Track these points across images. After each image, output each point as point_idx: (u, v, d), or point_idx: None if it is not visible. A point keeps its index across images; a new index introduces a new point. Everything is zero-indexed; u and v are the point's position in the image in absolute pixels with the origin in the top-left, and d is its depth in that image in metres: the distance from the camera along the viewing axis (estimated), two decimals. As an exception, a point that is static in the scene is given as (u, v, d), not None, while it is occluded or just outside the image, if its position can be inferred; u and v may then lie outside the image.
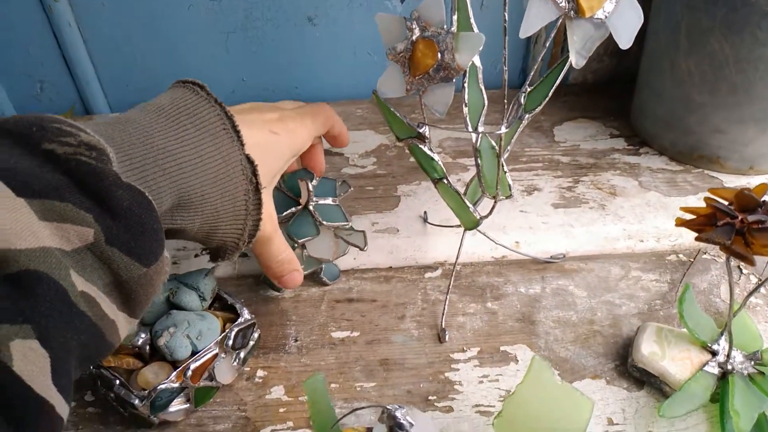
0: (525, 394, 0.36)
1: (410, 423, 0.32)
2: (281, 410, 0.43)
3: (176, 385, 0.40)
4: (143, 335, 0.41)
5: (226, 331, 0.42)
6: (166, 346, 0.40)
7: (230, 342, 0.42)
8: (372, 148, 0.69)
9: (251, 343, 0.45)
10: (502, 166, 0.42)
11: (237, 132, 0.36)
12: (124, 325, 0.30)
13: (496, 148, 0.42)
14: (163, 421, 0.41)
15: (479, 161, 0.42)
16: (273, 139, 0.40)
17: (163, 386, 0.39)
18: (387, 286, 0.52)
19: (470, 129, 0.41)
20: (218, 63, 0.75)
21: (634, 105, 0.70)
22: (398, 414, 0.31)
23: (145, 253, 0.28)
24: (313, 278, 0.53)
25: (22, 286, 0.24)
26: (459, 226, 0.51)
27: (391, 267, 0.54)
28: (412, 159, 0.66)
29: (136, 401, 0.39)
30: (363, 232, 0.51)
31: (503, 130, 0.39)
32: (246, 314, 0.44)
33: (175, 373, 0.40)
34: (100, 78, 0.75)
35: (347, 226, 0.49)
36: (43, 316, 0.24)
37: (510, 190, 0.43)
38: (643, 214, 0.58)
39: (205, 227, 0.36)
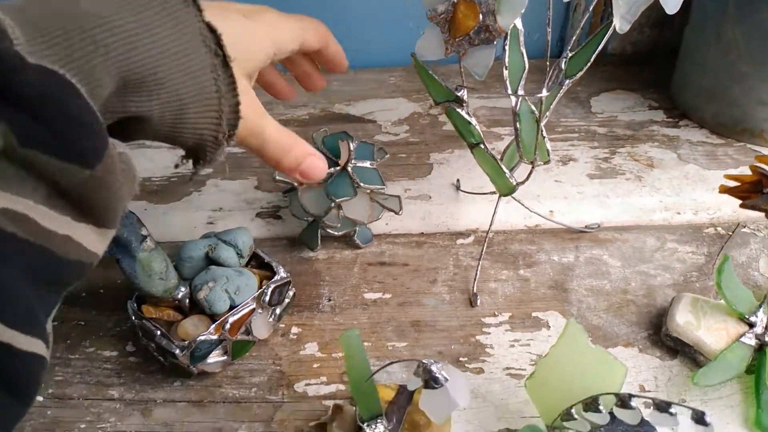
0: (558, 356, 0.36)
1: (445, 377, 0.32)
2: (315, 366, 0.44)
3: (215, 337, 0.41)
4: (183, 289, 0.42)
5: (263, 287, 0.43)
6: (206, 299, 0.41)
7: (267, 298, 0.43)
8: (405, 116, 0.68)
9: (286, 300, 0.46)
10: (541, 130, 0.41)
11: (197, 6, 0.28)
12: (93, 237, 0.25)
13: (536, 112, 0.41)
14: (201, 371, 0.42)
15: (518, 125, 0.41)
16: (249, 24, 0.33)
17: (202, 338, 0.40)
18: (419, 251, 0.52)
19: (510, 92, 0.40)
20: (253, 28, 0.75)
21: (674, 77, 0.68)
22: (434, 368, 0.32)
23: (79, 152, 0.23)
24: (346, 241, 0.53)
25: None
26: (492, 193, 0.51)
27: (422, 233, 0.54)
28: (445, 127, 0.66)
29: (177, 351, 0.40)
30: (398, 197, 0.51)
31: (544, 93, 0.39)
32: (282, 272, 0.45)
33: (213, 325, 0.41)
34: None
35: (383, 190, 0.49)
36: None
37: (548, 155, 0.42)
38: (681, 187, 0.57)
39: (168, 115, 0.28)
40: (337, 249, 0.53)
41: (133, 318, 0.42)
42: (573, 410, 0.34)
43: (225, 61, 0.29)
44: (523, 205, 0.51)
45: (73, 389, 0.44)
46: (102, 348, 0.46)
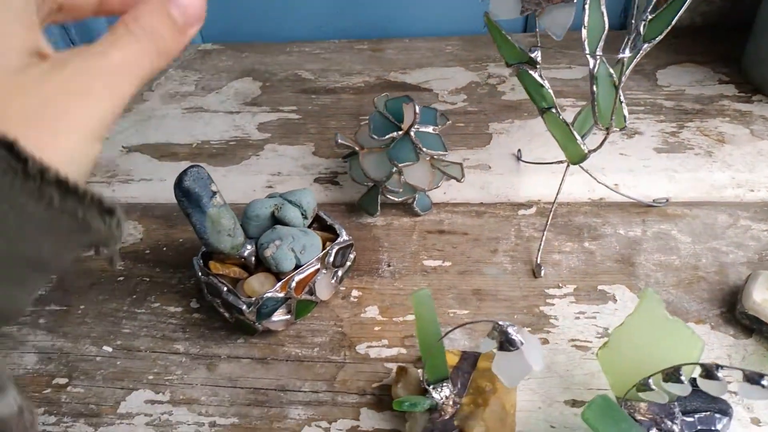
0: (634, 326, 0.35)
1: (521, 340, 0.31)
2: (376, 329, 0.44)
3: (281, 295, 0.41)
4: (249, 247, 0.42)
5: (327, 248, 0.43)
6: (273, 257, 0.41)
7: (331, 259, 0.43)
8: (462, 85, 0.67)
9: (348, 263, 0.46)
10: (619, 95, 0.40)
11: None
12: None
13: (614, 75, 0.40)
14: (265, 329, 0.43)
15: (595, 89, 0.40)
16: None
17: (269, 295, 0.40)
18: (479, 221, 0.52)
19: (588, 53, 0.39)
20: (310, -5, 0.74)
21: (747, 50, 0.65)
22: (510, 330, 0.31)
23: None
24: (404, 208, 0.53)
25: None
26: (559, 162, 0.50)
27: (482, 203, 0.53)
28: (504, 97, 0.64)
29: (244, 307, 0.40)
30: (460, 164, 0.50)
31: (627, 53, 0.37)
32: (344, 234, 0.45)
33: (280, 283, 0.41)
34: None
35: (445, 156, 0.49)
36: None
37: (625, 120, 0.41)
38: (755, 163, 0.55)
39: (30, 282, 0.20)
40: (395, 216, 0.53)
41: (200, 274, 0.43)
42: (651, 381, 0.33)
43: (37, 163, 0.17)
44: (591, 175, 0.50)
45: (140, 342, 0.44)
46: (167, 304, 0.47)
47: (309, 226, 0.46)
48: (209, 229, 0.40)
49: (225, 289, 0.41)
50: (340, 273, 0.45)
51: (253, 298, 0.40)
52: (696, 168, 0.55)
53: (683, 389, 0.32)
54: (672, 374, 0.31)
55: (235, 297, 0.41)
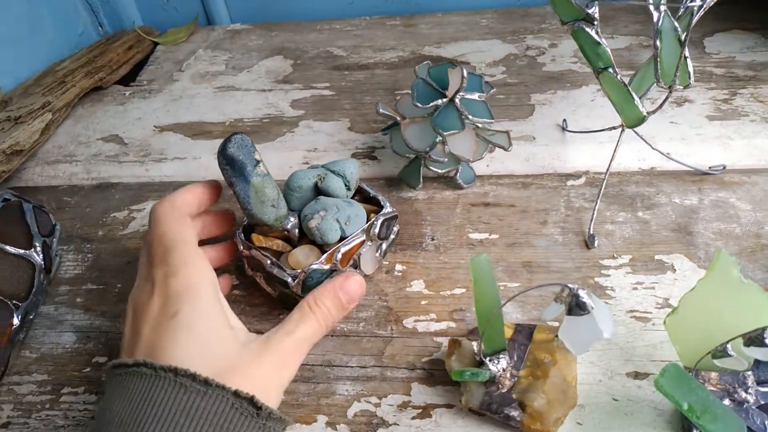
0: (707, 291, 0.33)
1: (592, 305, 0.30)
2: (423, 302, 0.43)
3: (326, 267, 0.40)
4: (292, 219, 0.41)
5: (372, 219, 0.42)
6: (318, 228, 0.39)
7: (376, 230, 0.42)
8: (500, 57, 0.65)
9: (392, 236, 0.44)
10: (685, 49, 0.37)
11: (206, 382, 0.28)
12: None
13: (679, 29, 0.38)
14: None
15: (658, 44, 0.38)
16: (178, 323, 0.31)
17: (314, 266, 0.39)
18: (525, 192, 0.50)
19: (651, 3, 0.37)
20: (339, -29, 0.73)
21: (800, 14, 0.62)
22: (581, 293, 0.29)
23: None
24: (446, 181, 0.51)
25: None
26: (611, 128, 0.48)
27: (528, 174, 0.51)
28: (545, 68, 0.62)
29: (289, 279, 0.39)
30: (507, 132, 0.48)
31: (696, 2, 0.35)
32: (389, 206, 0.43)
33: (325, 255, 0.40)
34: (223, -13, 0.75)
35: (492, 124, 0.47)
36: None
37: (690, 78, 0.39)
38: (815, 129, 0.52)
39: None
40: (437, 189, 0.51)
41: (241, 248, 0.42)
42: (729, 346, 0.31)
43: (270, 415, 0.29)
44: (645, 141, 0.47)
45: (181, 318, 0.43)
46: (206, 280, 0.46)
47: (352, 198, 0.45)
48: (253, 199, 0.38)
49: (269, 261, 0.40)
50: (384, 246, 0.44)
51: (298, 270, 0.39)
52: (752, 135, 0.52)
53: (767, 353, 0.30)
54: (756, 338, 0.29)
55: (280, 269, 0.39)
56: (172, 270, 0.33)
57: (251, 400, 0.28)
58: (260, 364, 0.31)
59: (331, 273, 0.40)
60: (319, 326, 0.33)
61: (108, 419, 0.28)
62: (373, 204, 0.44)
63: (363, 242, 0.41)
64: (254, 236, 0.41)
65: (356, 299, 0.35)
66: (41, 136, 0.59)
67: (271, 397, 0.30)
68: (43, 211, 0.48)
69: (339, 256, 0.40)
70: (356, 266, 0.42)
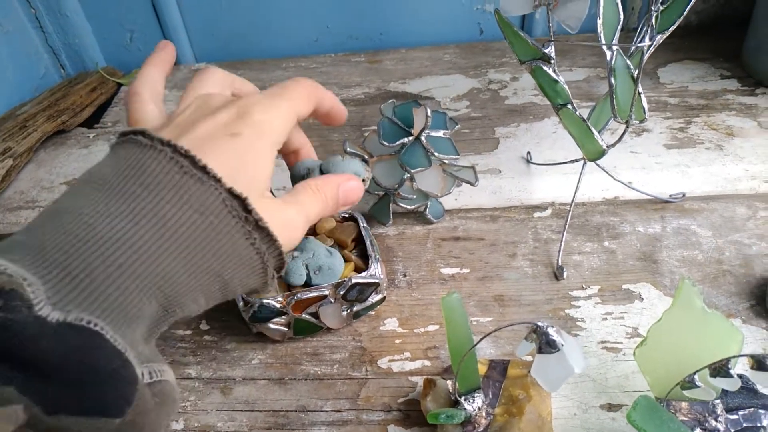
0: (672, 321, 0.34)
1: (561, 341, 0.30)
2: (397, 341, 0.42)
3: (277, 306, 0.39)
4: None
5: (344, 279, 0.40)
6: (287, 267, 0.39)
7: (342, 291, 0.40)
8: (463, 92, 0.66)
9: (370, 302, 0.42)
10: (638, 86, 0.39)
11: (204, 169, 0.25)
12: None
13: (632, 67, 0.39)
14: (259, 332, 0.41)
15: (613, 81, 0.39)
16: (237, 143, 0.28)
17: (265, 302, 0.39)
18: (494, 225, 0.50)
19: (604, 44, 0.38)
20: (303, 9, 0.74)
21: (747, 45, 0.65)
22: (551, 331, 0.30)
23: (107, 405, 0.21)
24: (416, 216, 0.51)
25: None
26: (574, 161, 0.49)
27: (495, 207, 0.52)
28: (507, 101, 0.63)
29: (240, 304, 0.40)
30: (473, 167, 0.49)
31: (646, 42, 0.36)
32: (374, 270, 0.41)
33: (282, 295, 0.39)
34: (187, 27, 0.75)
35: (458, 160, 0.47)
36: None
37: (644, 113, 0.40)
38: (767, 155, 0.54)
39: (216, 296, 0.27)
40: (407, 224, 0.51)
41: None
42: (696, 377, 0.32)
43: (257, 224, 0.27)
44: (607, 172, 0.49)
45: (149, 368, 0.42)
46: (175, 327, 0.45)
47: (355, 248, 0.44)
48: None
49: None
50: (356, 308, 0.42)
51: (253, 299, 0.39)
52: (708, 162, 0.54)
53: (733, 383, 0.30)
54: (720, 368, 0.30)
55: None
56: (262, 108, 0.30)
57: (243, 201, 0.26)
58: (276, 214, 0.28)
59: (282, 314, 0.40)
60: (320, 206, 0.32)
61: (89, 178, 0.26)
62: (365, 260, 0.42)
63: (325, 297, 0.40)
64: None
65: (350, 204, 0.34)
66: (2, 183, 0.58)
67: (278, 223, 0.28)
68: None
69: (293, 301, 0.39)
70: (317, 317, 0.41)
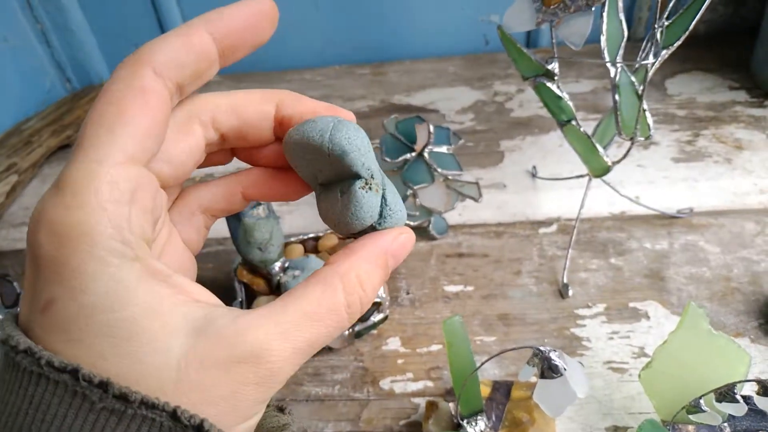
0: (678, 344, 0.33)
1: (564, 366, 0.29)
2: (399, 361, 0.42)
3: None
4: (279, 265, 0.40)
5: None
6: (285, 285, 0.39)
7: None
8: (468, 104, 0.66)
9: (372, 321, 0.42)
10: (643, 103, 0.38)
11: (125, 398, 0.17)
12: None
13: (636, 83, 0.38)
14: None
15: (617, 98, 0.38)
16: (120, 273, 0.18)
17: None
18: (498, 242, 0.50)
19: (608, 61, 0.37)
20: (308, 22, 0.74)
21: (756, 55, 0.64)
22: (553, 356, 0.29)
23: None
24: (420, 232, 0.51)
25: None
26: (579, 176, 0.48)
27: (500, 222, 0.52)
28: (513, 114, 0.63)
29: None
30: (476, 183, 0.49)
31: (650, 60, 0.36)
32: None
33: None
34: (192, 40, 0.75)
35: (461, 176, 0.47)
36: None
37: (650, 129, 0.39)
38: (776, 168, 0.53)
39: None
40: (410, 241, 0.51)
41: (233, 274, 0.42)
42: (702, 401, 0.31)
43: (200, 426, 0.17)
44: (613, 188, 0.48)
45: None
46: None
47: None
48: (240, 237, 0.39)
49: (239, 299, 0.40)
50: (357, 328, 0.42)
51: None
52: (716, 176, 0.53)
53: (739, 408, 0.29)
54: (726, 393, 0.29)
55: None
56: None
57: (199, 428, 0.17)
58: (228, 370, 0.18)
59: None
60: (341, 323, 0.20)
61: None
62: None
63: None
64: (239, 268, 0.41)
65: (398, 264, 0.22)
66: (6, 199, 0.58)
67: (238, 419, 0.18)
68: (6, 280, 0.47)
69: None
70: None
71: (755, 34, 0.63)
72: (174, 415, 0.17)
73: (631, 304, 0.43)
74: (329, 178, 0.22)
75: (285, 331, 0.18)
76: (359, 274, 0.20)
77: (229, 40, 0.21)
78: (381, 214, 0.22)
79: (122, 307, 0.17)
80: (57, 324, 0.17)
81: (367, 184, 0.21)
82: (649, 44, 0.39)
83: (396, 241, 0.21)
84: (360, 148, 0.21)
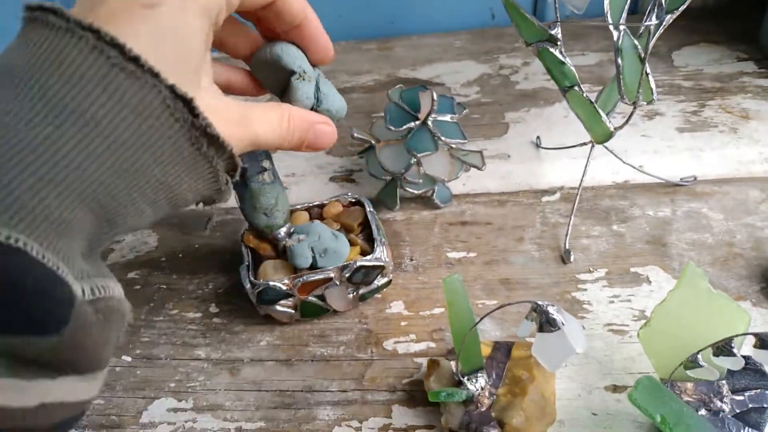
0: (677, 302, 0.34)
1: (562, 320, 0.30)
2: (402, 324, 0.43)
3: (283, 288, 0.40)
4: (284, 231, 0.41)
5: (350, 262, 0.41)
6: (290, 249, 0.40)
7: (348, 274, 0.40)
8: (474, 77, 0.66)
9: (376, 284, 0.42)
10: (646, 66, 0.38)
11: (135, 61, 0.21)
12: (78, 386, 0.22)
13: (639, 47, 0.38)
14: (267, 314, 0.42)
15: (620, 62, 0.38)
16: (155, 17, 0.23)
17: (272, 284, 0.39)
18: (502, 210, 0.50)
19: (611, 23, 0.38)
20: (314, -3, 0.74)
21: (764, 27, 0.63)
22: (551, 310, 0.30)
23: (37, 324, 0.19)
24: (424, 201, 0.51)
25: None
26: (582, 144, 0.48)
27: (503, 192, 0.52)
28: (518, 86, 0.63)
29: (248, 286, 0.40)
30: (480, 152, 0.49)
31: (653, 21, 0.36)
32: (379, 254, 0.41)
33: (288, 278, 0.40)
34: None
35: (464, 145, 0.47)
36: None
37: (652, 94, 0.39)
38: (782, 137, 0.53)
39: (163, 206, 0.25)
40: (415, 209, 0.51)
41: (242, 241, 0.43)
42: (699, 357, 0.31)
43: (205, 130, 0.23)
44: (616, 155, 0.48)
45: (160, 350, 0.43)
46: (185, 310, 0.46)
47: (361, 232, 0.44)
48: (247, 202, 0.40)
49: (245, 264, 0.41)
50: (362, 290, 0.42)
51: (260, 281, 0.39)
52: (722, 145, 0.53)
53: (736, 362, 0.30)
54: (723, 347, 0.30)
55: (246, 274, 0.40)
56: None
57: (189, 103, 0.22)
58: (224, 104, 0.26)
59: (288, 296, 0.40)
60: (281, 143, 0.29)
61: None
62: (371, 244, 0.43)
63: (331, 279, 0.40)
64: (246, 234, 0.42)
65: (318, 147, 0.31)
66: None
67: (222, 121, 0.25)
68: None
69: (299, 283, 0.40)
70: (323, 299, 0.42)
71: (764, 6, 0.62)
72: (172, 89, 0.22)
73: (633, 269, 0.44)
74: (281, 84, 0.31)
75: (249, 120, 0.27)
76: (292, 115, 0.29)
77: None
78: (318, 99, 0.31)
79: (160, 2, 0.23)
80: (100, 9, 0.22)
81: (300, 76, 0.30)
82: (653, 8, 0.39)
83: (323, 123, 0.31)
84: (290, 54, 0.30)
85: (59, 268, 0.20)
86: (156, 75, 0.22)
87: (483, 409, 0.35)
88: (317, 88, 0.31)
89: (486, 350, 0.38)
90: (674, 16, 0.39)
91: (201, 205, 0.28)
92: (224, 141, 0.24)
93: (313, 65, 0.32)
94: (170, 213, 0.26)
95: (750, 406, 0.34)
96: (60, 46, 0.21)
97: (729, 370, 0.34)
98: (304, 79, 0.30)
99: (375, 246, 0.42)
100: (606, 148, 0.46)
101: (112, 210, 0.22)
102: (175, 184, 0.24)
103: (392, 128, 0.46)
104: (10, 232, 0.19)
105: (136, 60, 0.21)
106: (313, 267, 0.41)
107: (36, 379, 0.20)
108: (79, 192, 0.21)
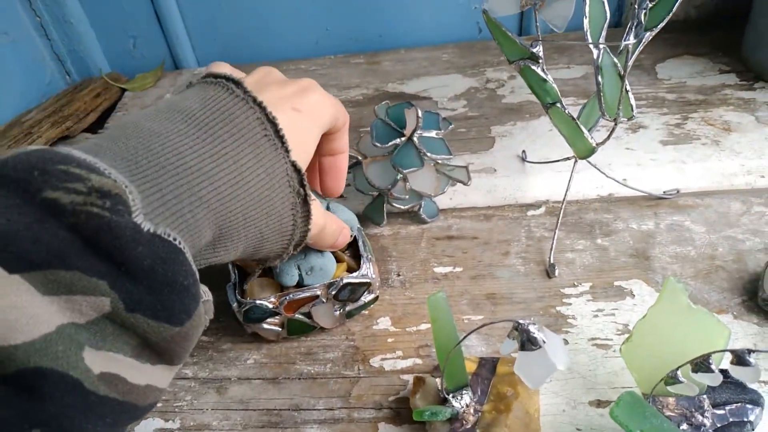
0: (658, 318, 0.34)
1: (543, 338, 0.30)
2: (389, 340, 0.43)
3: (269, 306, 0.40)
4: None
5: (336, 279, 0.41)
6: (277, 267, 0.40)
7: (334, 291, 0.41)
8: (461, 91, 0.67)
9: (363, 301, 0.43)
10: (625, 84, 0.39)
11: (281, 138, 0.30)
12: (165, 375, 0.26)
13: (619, 65, 0.39)
14: (254, 332, 0.42)
15: (600, 79, 0.39)
16: (297, 118, 0.32)
17: (257, 302, 0.39)
18: (488, 224, 0.51)
19: (590, 42, 0.38)
20: (303, 12, 0.74)
21: (746, 39, 0.64)
22: (532, 328, 0.30)
23: (174, 314, 0.24)
24: (411, 216, 0.52)
25: (24, 387, 0.21)
26: (566, 159, 0.49)
27: (489, 206, 0.52)
28: (504, 100, 0.64)
29: (234, 305, 0.40)
30: (466, 167, 0.49)
31: (631, 40, 0.37)
32: (365, 270, 0.41)
33: (274, 296, 0.40)
34: (188, 31, 0.76)
35: (450, 160, 0.48)
36: (53, 417, 0.21)
37: (632, 110, 0.40)
38: (763, 149, 0.54)
39: (249, 250, 0.32)
40: (402, 224, 0.52)
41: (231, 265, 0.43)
42: (679, 373, 0.32)
43: (305, 199, 0.32)
44: (599, 170, 0.49)
45: (148, 368, 0.43)
46: (173, 327, 0.46)
47: (346, 250, 0.44)
48: None
49: (231, 282, 0.41)
50: (348, 308, 0.42)
51: (246, 299, 0.40)
52: (704, 158, 0.54)
53: (714, 378, 0.30)
54: (701, 364, 0.30)
55: (232, 292, 0.41)
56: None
57: (300, 176, 0.31)
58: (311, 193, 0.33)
59: (274, 314, 0.41)
60: (331, 240, 0.39)
61: (173, 107, 0.29)
62: (358, 261, 0.43)
63: (317, 297, 0.41)
64: None
65: (334, 247, 0.40)
66: (7, 188, 0.59)
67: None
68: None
69: (286, 301, 0.40)
70: (310, 317, 0.42)
71: (746, 18, 0.63)
72: (294, 164, 0.31)
73: (617, 283, 0.44)
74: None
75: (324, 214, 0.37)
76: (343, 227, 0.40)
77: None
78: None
79: (302, 110, 0.34)
80: None
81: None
82: (632, 26, 0.40)
83: (346, 231, 0.40)
84: None
85: (196, 272, 0.25)
86: (288, 151, 0.30)
87: (468, 426, 0.35)
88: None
89: (471, 366, 0.38)
90: (653, 34, 0.39)
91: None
92: (311, 214, 0.33)
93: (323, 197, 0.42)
94: (236, 260, 0.33)
95: (731, 420, 0.34)
96: (234, 108, 0.29)
97: (710, 386, 0.34)
98: None
99: (362, 262, 0.42)
100: (589, 162, 0.46)
101: (224, 239, 0.29)
102: (267, 237, 0.31)
103: (378, 145, 0.47)
104: (175, 233, 0.24)
105: (281, 138, 0.30)
106: (300, 285, 0.41)
107: (146, 362, 0.25)
108: (216, 219, 0.27)
